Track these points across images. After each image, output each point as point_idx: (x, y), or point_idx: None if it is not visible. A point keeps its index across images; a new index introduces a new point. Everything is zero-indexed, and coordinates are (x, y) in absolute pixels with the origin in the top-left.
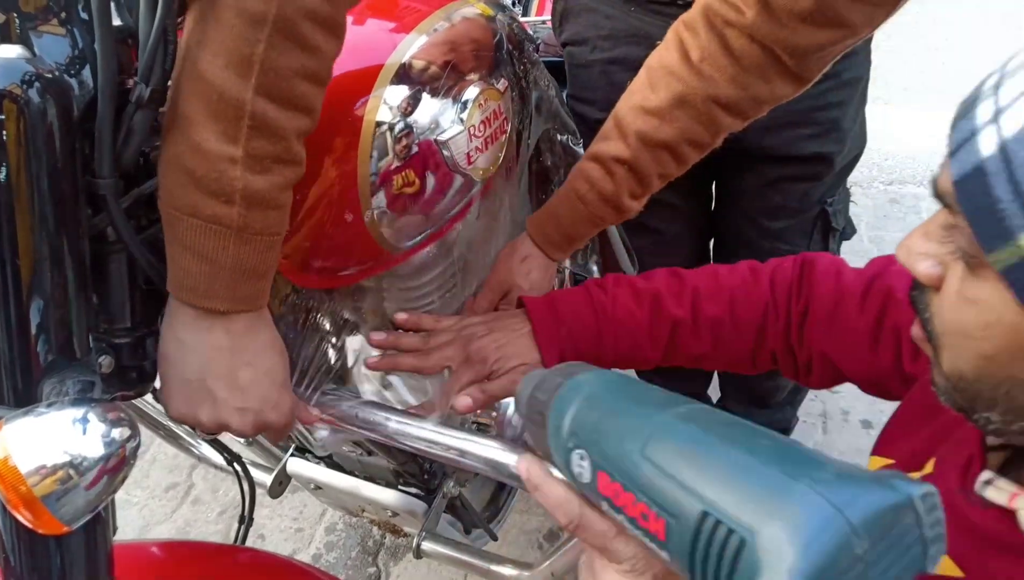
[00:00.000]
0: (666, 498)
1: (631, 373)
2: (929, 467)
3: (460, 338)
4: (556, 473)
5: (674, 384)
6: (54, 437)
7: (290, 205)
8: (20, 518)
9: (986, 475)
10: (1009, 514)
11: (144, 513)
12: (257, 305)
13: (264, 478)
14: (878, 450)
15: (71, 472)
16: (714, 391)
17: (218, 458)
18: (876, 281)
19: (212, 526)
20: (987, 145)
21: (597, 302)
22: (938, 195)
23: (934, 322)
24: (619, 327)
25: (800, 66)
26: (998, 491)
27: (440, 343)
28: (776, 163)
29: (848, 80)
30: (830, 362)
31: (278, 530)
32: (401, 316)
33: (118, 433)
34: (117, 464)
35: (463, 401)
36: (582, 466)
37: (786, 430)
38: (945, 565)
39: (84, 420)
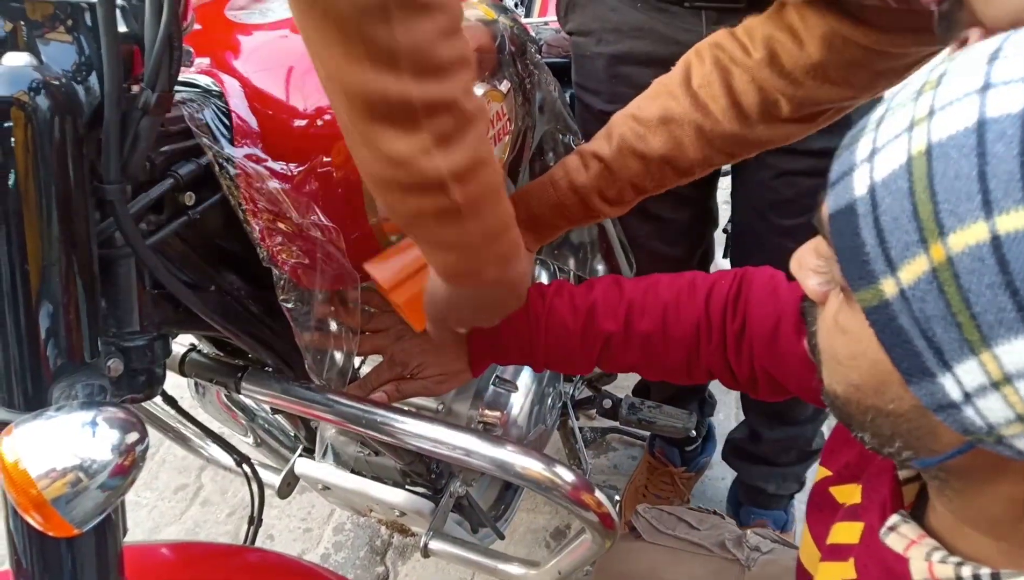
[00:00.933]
0: None
1: None
2: (857, 497)
3: (394, 331)
4: None
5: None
6: (64, 440)
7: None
8: (31, 521)
9: (892, 520)
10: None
11: (154, 515)
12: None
13: (272, 479)
14: (823, 461)
15: (81, 475)
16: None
17: (227, 459)
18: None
19: (221, 527)
20: (860, 184)
21: (532, 313)
22: (816, 221)
23: (818, 337)
24: (552, 338)
25: (798, 113)
26: (899, 538)
27: (377, 329)
28: (784, 155)
29: None
30: (774, 380)
31: (287, 530)
32: (352, 294)
33: (127, 436)
34: (126, 467)
35: (378, 396)
36: None
37: (810, 447)
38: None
39: (93, 423)
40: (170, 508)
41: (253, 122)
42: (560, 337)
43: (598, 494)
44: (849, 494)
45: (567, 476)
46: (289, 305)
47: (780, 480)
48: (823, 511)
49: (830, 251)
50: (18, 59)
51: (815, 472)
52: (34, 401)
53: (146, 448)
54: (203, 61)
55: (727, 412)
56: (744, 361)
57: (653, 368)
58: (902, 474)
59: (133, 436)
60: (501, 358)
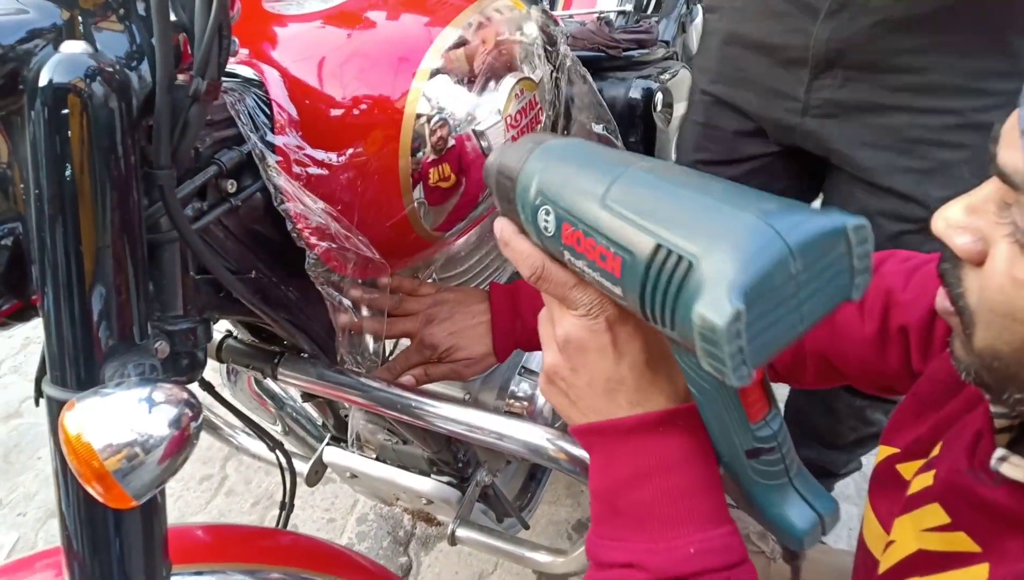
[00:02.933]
0: (623, 237)
1: None
2: (936, 450)
3: (424, 316)
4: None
5: None
6: (122, 415)
7: None
8: (92, 492)
9: (1000, 452)
10: (1023, 488)
11: (179, 504)
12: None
13: (300, 467)
14: (885, 440)
15: (138, 449)
16: None
17: (255, 447)
18: (871, 284)
19: (246, 517)
20: None
21: None
22: (1001, 173)
23: (968, 297)
24: None
25: None
26: (1013, 467)
27: (406, 313)
28: (870, 190)
29: (975, 123)
30: (831, 365)
31: (310, 520)
32: (384, 279)
33: (182, 412)
34: (181, 442)
35: (406, 379)
36: (547, 220)
37: (838, 470)
38: (961, 541)
39: (150, 399)
40: (195, 498)
41: (293, 111)
42: None
43: None
44: (917, 467)
45: None
46: (324, 286)
47: None
48: (888, 488)
49: (1014, 198)
50: (75, 47)
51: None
52: (87, 380)
53: (200, 425)
54: (243, 51)
55: None
56: (787, 349)
57: None
58: (998, 422)
59: (188, 412)
60: (524, 343)
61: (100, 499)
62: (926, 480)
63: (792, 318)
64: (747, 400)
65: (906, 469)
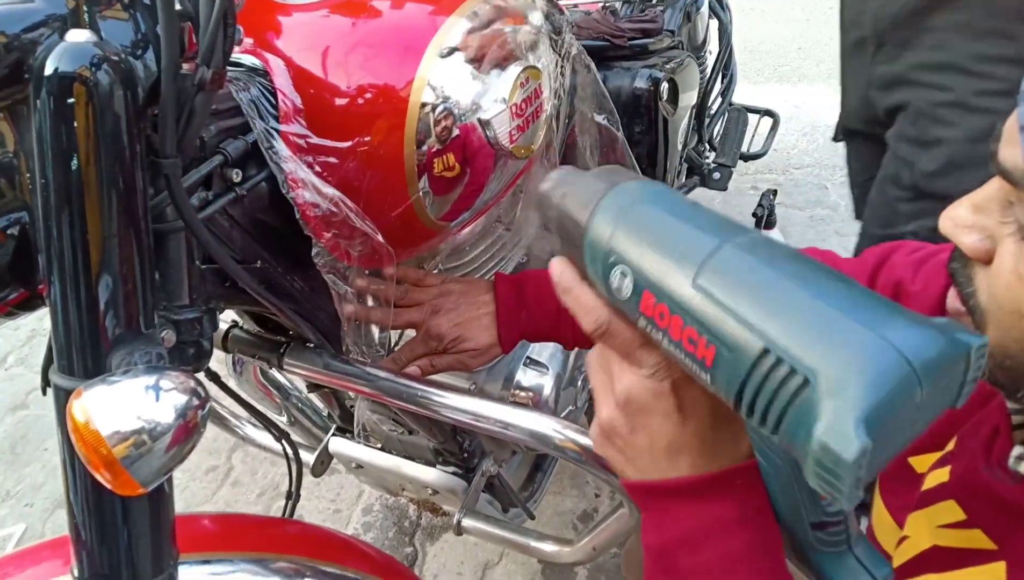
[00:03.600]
0: (721, 327)
1: None
2: (950, 446)
3: (429, 306)
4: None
5: None
6: (129, 403)
7: None
8: (100, 479)
9: (1018, 451)
10: None
11: (185, 495)
12: None
13: (306, 457)
14: None
15: (145, 437)
16: None
17: (262, 438)
18: (880, 275)
19: (252, 507)
20: None
21: None
22: (1002, 170)
23: (978, 296)
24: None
25: None
26: None
27: (412, 303)
28: (887, 154)
29: (971, 105)
30: None
31: (316, 511)
32: (389, 269)
33: (189, 400)
34: (188, 429)
35: (412, 370)
36: (623, 283)
37: None
38: (977, 538)
39: (156, 387)
40: (201, 488)
41: (298, 100)
42: None
43: None
44: (930, 462)
45: None
46: (329, 275)
47: None
48: (899, 482)
49: (1017, 197)
50: (80, 35)
51: None
52: (94, 369)
53: (207, 414)
54: (247, 41)
55: None
56: None
57: None
58: (1015, 419)
59: (194, 400)
60: (531, 334)
61: (108, 486)
62: (942, 476)
63: (904, 436)
64: None
65: (919, 462)
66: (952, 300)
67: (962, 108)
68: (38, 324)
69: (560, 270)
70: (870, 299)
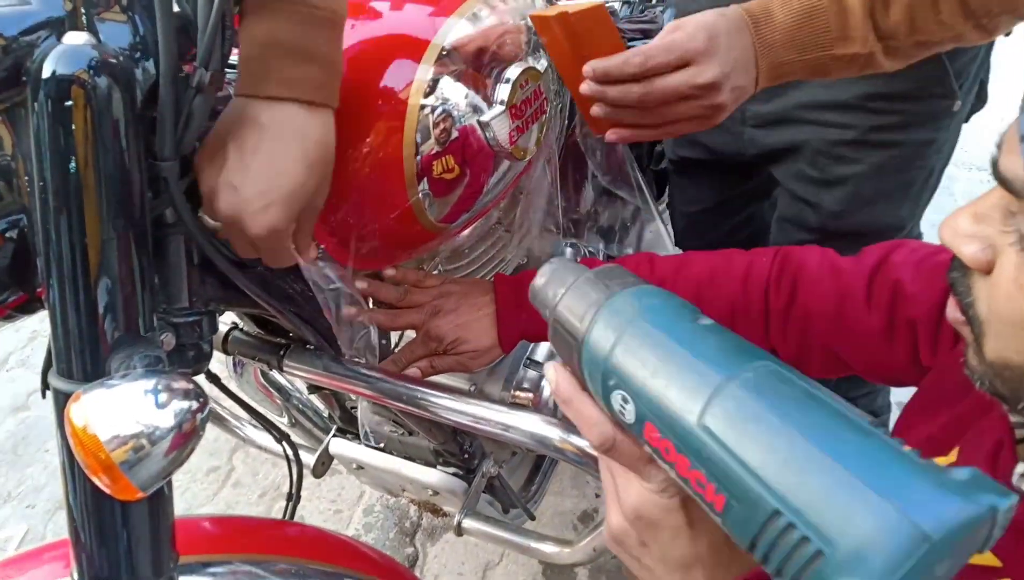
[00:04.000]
0: (730, 479)
1: None
2: (953, 456)
3: (429, 308)
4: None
5: None
6: (128, 407)
7: None
8: (99, 483)
9: (1022, 468)
10: None
11: (187, 496)
12: (306, 93)
13: (307, 459)
14: (895, 434)
15: (144, 441)
16: None
17: (263, 439)
18: (879, 274)
19: (253, 508)
20: None
21: None
22: (1002, 179)
23: (978, 306)
24: None
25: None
26: None
27: (412, 304)
28: (783, 195)
29: (874, 141)
30: (836, 357)
31: (317, 511)
32: (389, 271)
33: (188, 404)
34: (187, 433)
35: (412, 371)
36: (625, 408)
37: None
38: (982, 554)
39: (155, 391)
40: (203, 490)
41: None
42: None
43: None
44: None
45: None
46: (314, 278)
47: None
48: None
49: (1018, 207)
50: (78, 38)
51: None
52: (93, 372)
53: (206, 417)
54: None
55: None
56: (792, 339)
57: None
58: (1019, 433)
59: (194, 404)
60: (531, 334)
61: (107, 491)
62: None
63: None
64: None
65: None
66: (952, 310)
67: (863, 144)
68: (39, 325)
69: (558, 380)
70: (887, 454)
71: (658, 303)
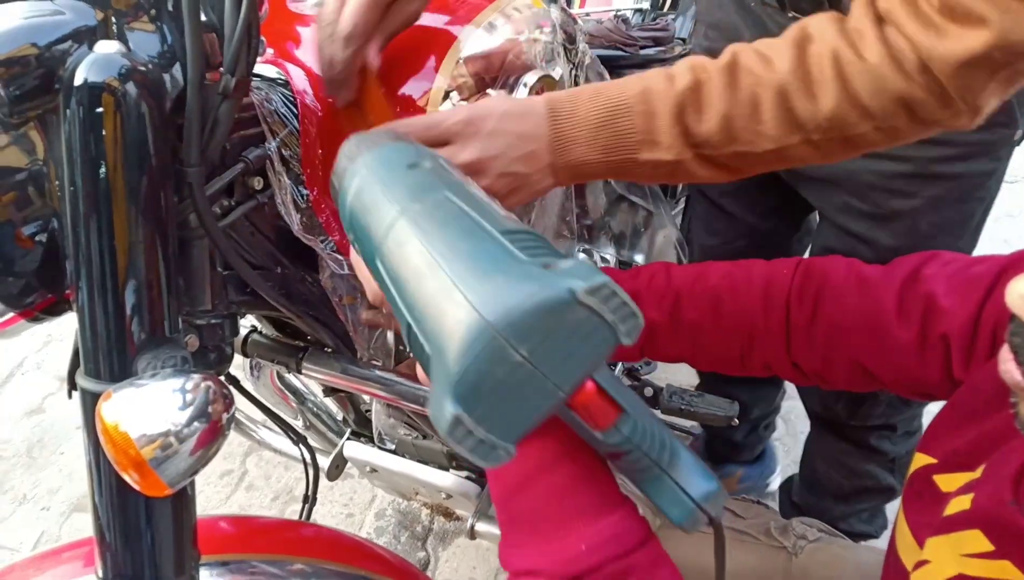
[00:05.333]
0: (394, 303)
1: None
2: (978, 473)
3: None
4: None
5: (744, 395)
6: (157, 405)
7: None
8: (128, 479)
9: None
10: None
11: (200, 499)
12: None
13: (322, 462)
14: (922, 448)
15: (172, 439)
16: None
17: (278, 442)
18: (910, 288)
19: (266, 511)
20: None
21: None
22: None
23: None
24: None
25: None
26: None
27: None
28: (829, 227)
29: (932, 173)
30: (864, 370)
31: (329, 515)
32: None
33: (215, 403)
34: (214, 432)
35: (421, 374)
36: (356, 245)
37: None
38: (1007, 570)
39: (183, 391)
40: (216, 493)
41: (319, 109)
42: None
43: None
44: (957, 482)
45: None
46: (331, 284)
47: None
48: (924, 500)
49: None
50: (109, 47)
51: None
52: (120, 373)
53: (232, 416)
54: (268, 51)
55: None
56: (816, 352)
57: (702, 359)
58: None
59: (221, 403)
60: None
61: (136, 487)
62: (963, 503)
63: (544, 387)
64: (587, 413)
65: (943, 480)
66: (1013, 373)
67: (920, 177)
68: (55, 330)
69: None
70: (493, 256)
71: (390, 153)
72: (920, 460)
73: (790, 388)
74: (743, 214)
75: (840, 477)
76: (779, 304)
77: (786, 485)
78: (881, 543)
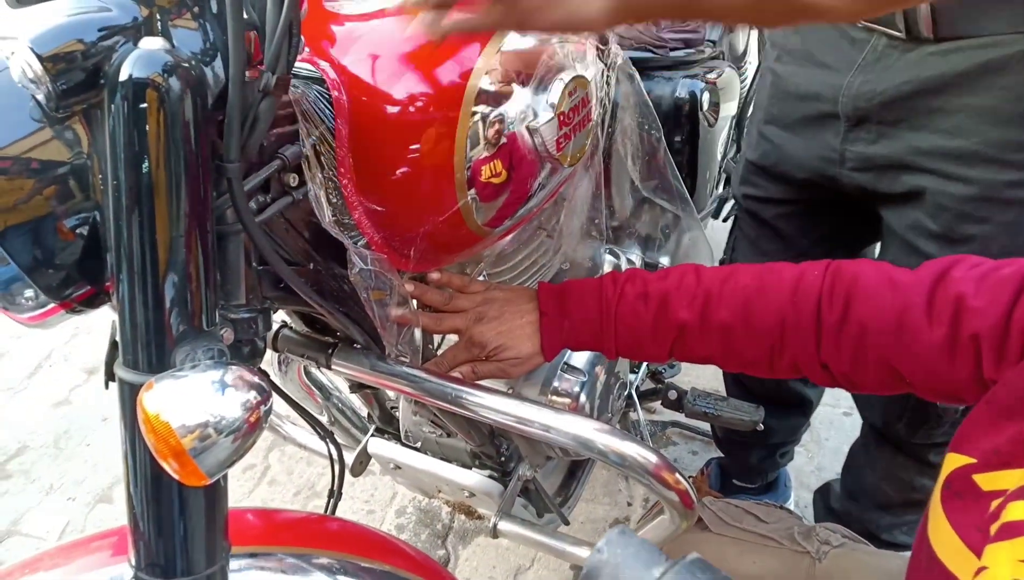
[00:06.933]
0: None
1: None
2: (1011, 482)
3: (473, 313)
4: None
5: (771, 420)
6: (197, 396)
7: None
8: (168, 468)
9: None
10: None
11: None
12: None
13: (345, 458)
14: (955, 448)
15: (211, 430)
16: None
17: (303, 437)
18: (939, 289)
19: (288, 506)
20: None
21: (604, 297)
22: None
23: None
24: (621, 325)
25: None
26: None
27: (456, 309)
28: (902, 246)
29: (1004, 198)
30: (894, 372)
31: (350, 511)
32: (434, 275)
33: (253, 395)
34: (252, 423)
35: (455, 376)
36: None
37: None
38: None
39: (223, 382)
40: (239, 487)
41: (354, 107)
42: (630, 325)
43: (678, 473)
44: (999, 481)
45: (648, 453)
46: (360, 280)
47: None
48: (965, 500)
49: None
50: (153, 43)
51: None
52: (158, 364)
53: (270, 408)
54: (304, 49)
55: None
56: (845, 353)
57: (731, 360)
58: None
59: (258, 395)
60: (573, 343)
61: (175, 476)
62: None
63: None
64: None
65: (984, 480)
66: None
67: (993, 202)
68: (82, 322)
69: None
70: None
71: None
72: (956, 461)
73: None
74: (796, 237)
75: (891, 490)
76: (810, 305)
77: (823, 491)
78: None
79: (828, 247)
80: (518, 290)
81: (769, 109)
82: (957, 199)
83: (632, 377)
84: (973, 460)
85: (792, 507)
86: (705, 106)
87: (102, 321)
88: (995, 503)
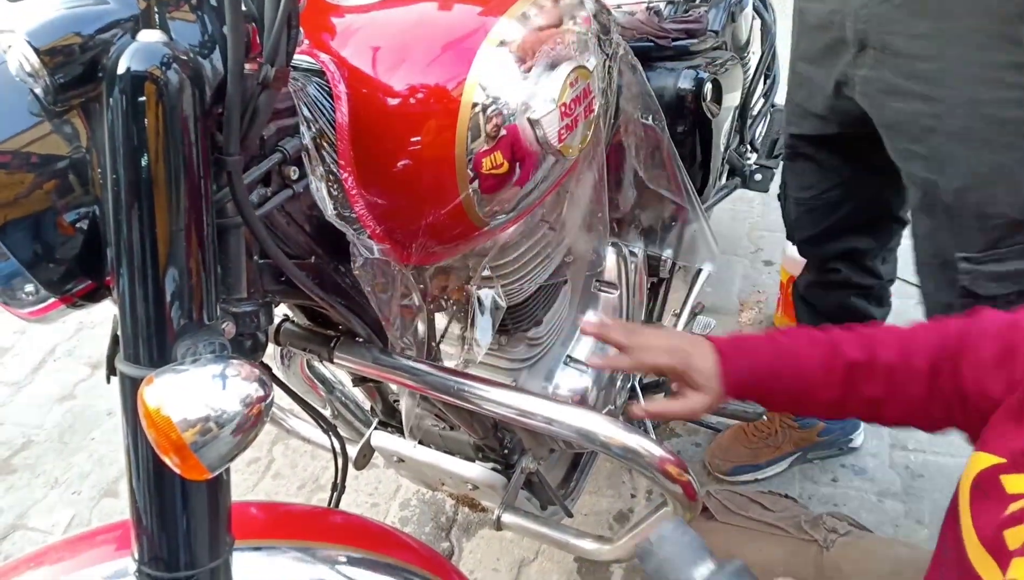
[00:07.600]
0: None
1: None
2: None
3: (669, 352)
4: None
5: None
6: (198, 390)
7: None
8: (169, 463)
9: None
10: None
11: None
12: None
13: (349, 451)
14: (983, 446)
15: (212, 424)
16: None
17: (306, 430)
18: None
19: (292, 499)
20: None
21: (776, 341)
22: None
23: None
24: (795, 365)
25: None
26: None
27: (647, 347)
28: (894, 173)
29: (988, 116)
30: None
31: (354, 504)
32: (591, 323)
33: (253, 389)
34: (253, 417)
35: (639, 411)
36: None
37: None
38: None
39: (223, 376)
40: (243, 480)
41: (353, 99)
42: (803, 366)
43: (681, 465)
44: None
45: (651, 446)
46: (364, 273)
47: None
48: (990, 500)
49: None
50: (151, 36)
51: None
52: (159, 358)
53: (271, 402)
54: (304, 42)
55: None
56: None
57: (896, 402)
58: None
59: (260, 389)
60: (748, 381)
61: (177, 470)
62: None
63: None
64: None
65: (1010, 481)
66: None
67: (979, 119)
68: (86, 317)
69: None
70: None
71: None
72: (985, 460)
73: None
74: (839, 168)
75: None
76: (950, 344)
77: None
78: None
79: (874, 179)
80: (687, 333)
81: (798, 45)
82: (938, 117)
83: None
84: (1003, 460)
85: (861, 440)
86: (708, 97)
87: (106, 316)
88: (1013, 506)
